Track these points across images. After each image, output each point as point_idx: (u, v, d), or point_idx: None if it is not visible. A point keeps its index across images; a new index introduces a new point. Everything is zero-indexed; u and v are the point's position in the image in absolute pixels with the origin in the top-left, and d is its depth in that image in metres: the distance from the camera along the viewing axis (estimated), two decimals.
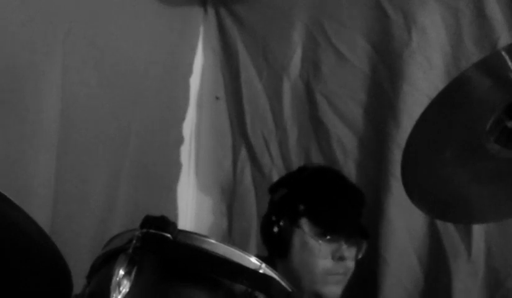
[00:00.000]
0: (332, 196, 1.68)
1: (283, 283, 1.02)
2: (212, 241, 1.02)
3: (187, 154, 2.25)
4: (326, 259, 1.60)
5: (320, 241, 1.60)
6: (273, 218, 1.67)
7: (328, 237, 1.60)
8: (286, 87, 2.10)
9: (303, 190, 1.69)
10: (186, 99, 2.24)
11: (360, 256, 1.67)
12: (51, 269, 1.06)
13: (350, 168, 1.98)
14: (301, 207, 1.64)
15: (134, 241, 1.00)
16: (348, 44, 1.99)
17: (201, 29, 2.29)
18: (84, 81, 1.83)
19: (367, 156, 1.96)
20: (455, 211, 1.31)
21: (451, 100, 1.17)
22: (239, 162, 2.18)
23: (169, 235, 1.00)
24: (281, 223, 1.65)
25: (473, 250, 1.75)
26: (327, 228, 1.61)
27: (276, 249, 1.66)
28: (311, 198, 1.66)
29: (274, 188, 1.75)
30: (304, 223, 1.62)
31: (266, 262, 1.02)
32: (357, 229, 1.66)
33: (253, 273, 1.00)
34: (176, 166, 2.20)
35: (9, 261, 1.03)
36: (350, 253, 1.63)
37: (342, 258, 1.60)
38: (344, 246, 1.61)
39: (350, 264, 1.63)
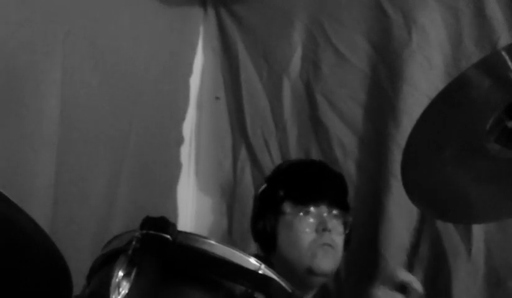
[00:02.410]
0: (309, 175, 1.70)
1: (282, 283, 1.02)
2: (212, 242, 1.02)
3: (187, 154, 2.25)
4: (310, 233, 1.61)
5: (302, 215, 1.62)
6: (258, 213, 1.70)
7: (308, 209, 1.62)
8: (286, 87, 2.10)
9: (281, 178, 1.72)
10: (186, 99, 2.24)
11: (347, 231, 1.67)
12: (51, 269, 1.06)
13: (350, 168, 1.98)
14: (281, 193, 1.66)
15: (134, 242, 1.00)
16: (348, 44, 1.99)
17: (201, 29, 2.29)
18: (84, 81, 1.83)
19: (367, 156, 1.96)
20: (455, 211, 1.31)
21: (451, 100, 1.17)
22: (239, 162, 2.18)
23: (169, 236, 1.00)
24: (266, 216, 1.67)
25: (473, 250, 1.75)
26: (306, 201, 1.63)
27: (266, 244, 1.68)
28: (289, 181, 1.69)
29: (256, 188, 1.78)
30: (286, 207, 1.65)
31: (265, 262, 1.02)
32: (338, 201, 1.67)
33: (252, 274, 1.00)
34: (176, 166, 2.20)
35: (9, 261, 1.03)
36: (334, 226, 1.63)
37: (325, 229, 1.60)
38: (326, 217, 1.62)
39: (337, 238, 1.63)
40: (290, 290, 1.02)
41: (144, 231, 1.01)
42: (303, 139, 2.07)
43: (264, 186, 1.73)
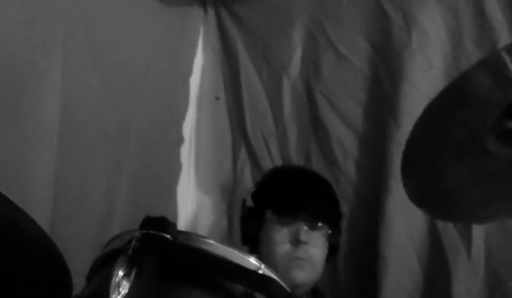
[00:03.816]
0: (292, 186, 1.72)
1: (282, 283, 1.02)
2: (212, 241, 1.02)
3: (187, 154, 2.25)
4: (285, 244, 1.63)
5: (279, 225, 1.64)
6: (244, 216, 1.73)
7: (286, 220, 1.64)
8: (286, 87, 2.10)
9: (266, 185, 1.75)
10: (186, 99, 2.24)
11: (328, 243, 1.68)
12: (51, 269, 1.06)
13: (350, 168, 1.98)
14: (265, 200, 1.70)
15: (134, 242, 1.00)
16: (348, 44, 1.99)
17: (201, 29, 2.29)
18: (84, 81, 1.83)
19: (367, 156, 1.96)
20: (455, 210, 1.31)
21: (451, 100, 1.17)
22: (239, 162, 2.18)
23: (169, 236, 1.00)
24: (251, 221, 1.70)
25: (473, 250, 1.76)
26: (283, 212, 1.65)
27: (250, 247, 1.70)
28: (272, 191, 1.72)
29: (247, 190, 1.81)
30: (269, 214, 1.67)
31: None
32: (319, 214, 1.67)
33: (252, 273, 1.00)
34: (176, 166, 2.20)
35: (9, 261, 1.03)
36: (310, 238, 1.64)
37: (299, 242, 1.61)
38: (303, 230, 1.63)
39: (313, 250, 1.64)
40: (289, 290, 1.03)
41: (144, 231, 1.01)
42: (303, 140, 2.07)
43: (253, 190, 1.76)
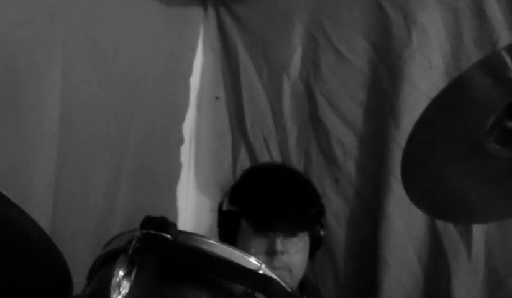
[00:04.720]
0: (264, 193, 1.67)
1: (282, 283, 1.02)
2: (212, 241, 1.02)
3: (187, 154, 2.25)
4: (261, 254, 1.57)
5: (253, 237, 1.60)
6: (220, 222, 1.71)
7: (260, 232, 1.59)
8: (286, 87, 2.10)
9: (240, 190, 1.71)
10: (186, 99, 2.24)
11: (307, 243, 1.64)
12: (51, 269, 1.06)
13: (350, 168, 1.98)
14: (238, 207, 1.65)
15: (134, 242, 1.00)
16: (348, 44, 1.99)
17: (201, 29, 2.29)
18: (84, 80, 1.83)
19: (367, 156, 1.96)
20: (455, 211, 1.32)
21: (451, 100, 1.17)
22: (239, 162, 2.18)
23: (169, 236, 1.00)
24: (226, 227, 1.68)
25: (473, 250, 1.76)
26: (257, 225, 1.61)
27: None
28: (246, 197, 1.68)
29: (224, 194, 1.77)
30: (243, 222, 1.63)
31: None
32: (294, 224, 1.63)
33: (252, 273, 1.00)
34: (176, 166, 2.19)
35: (8, 260, 1.03)
36: (288, 246, 1.59)
37: (274, 253, 1.57)
38: (278, 241, 1.57)
39: (291, 257, 1.59)
40: (290, 290, 1.03)
41: (144, 231, 1.01)
42: (303, 140, 2.07)
43: (227, 194, 1.72)
